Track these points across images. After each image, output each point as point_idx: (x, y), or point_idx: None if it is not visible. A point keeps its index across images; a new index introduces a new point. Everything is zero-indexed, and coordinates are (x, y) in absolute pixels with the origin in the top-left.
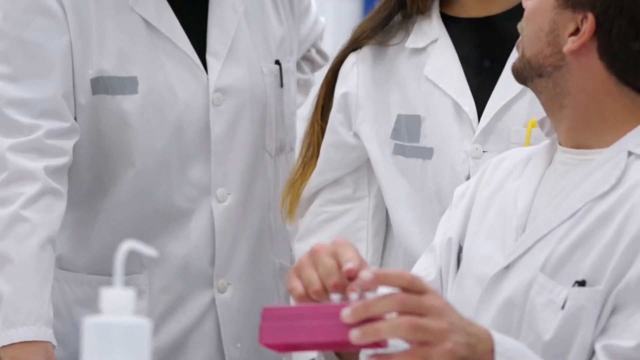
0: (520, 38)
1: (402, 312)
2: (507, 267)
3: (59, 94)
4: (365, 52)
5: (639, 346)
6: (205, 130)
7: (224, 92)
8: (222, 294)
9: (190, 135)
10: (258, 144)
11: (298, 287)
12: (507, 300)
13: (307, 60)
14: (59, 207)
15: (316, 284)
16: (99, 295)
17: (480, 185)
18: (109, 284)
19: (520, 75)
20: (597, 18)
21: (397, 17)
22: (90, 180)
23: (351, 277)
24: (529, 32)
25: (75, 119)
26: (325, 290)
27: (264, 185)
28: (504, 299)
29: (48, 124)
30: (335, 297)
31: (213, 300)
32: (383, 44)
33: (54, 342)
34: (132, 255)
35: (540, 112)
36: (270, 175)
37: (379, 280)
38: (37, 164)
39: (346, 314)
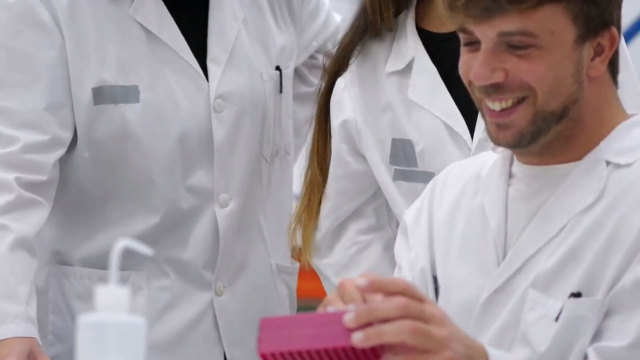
0: (516, 114)
1: (405, 317)
2: (496, 291)
3: (42, 106)
4: (352, 76)
5: (629, 346)
6: (208, 137)
7: (225, 99)
8: (219, 297)
9: (193, 142)
10: (256, 150)
11: None
12: (503, 324)
13: (316, 69)
14: (38, 214)
15: None
16: (94, 293)
17: (434, 206)
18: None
19: (534, 136)
20: (617, 29)
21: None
22: (93, 188)
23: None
24: (548, 89)
25: (75, 130)
26: None
27: (259, 190)
28: (500, 324)
29: (27, 137)
30: (331, 309)
31: (211, 303)
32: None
33: (37, 336)
34: (132, 253)
35: None
36: (264, 179)
37: (374, 286)
38: (9, 176)
39: (349, 318)
